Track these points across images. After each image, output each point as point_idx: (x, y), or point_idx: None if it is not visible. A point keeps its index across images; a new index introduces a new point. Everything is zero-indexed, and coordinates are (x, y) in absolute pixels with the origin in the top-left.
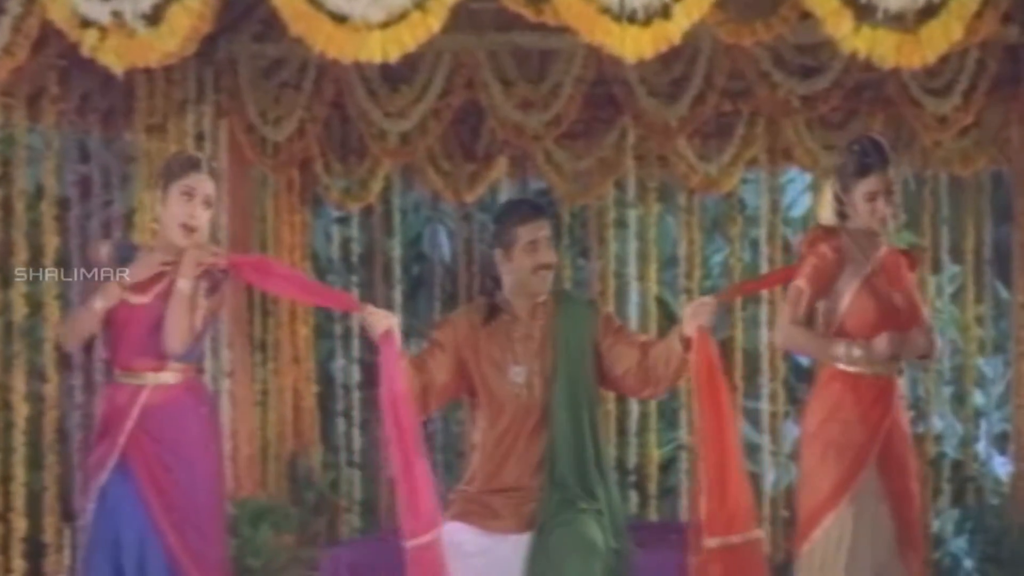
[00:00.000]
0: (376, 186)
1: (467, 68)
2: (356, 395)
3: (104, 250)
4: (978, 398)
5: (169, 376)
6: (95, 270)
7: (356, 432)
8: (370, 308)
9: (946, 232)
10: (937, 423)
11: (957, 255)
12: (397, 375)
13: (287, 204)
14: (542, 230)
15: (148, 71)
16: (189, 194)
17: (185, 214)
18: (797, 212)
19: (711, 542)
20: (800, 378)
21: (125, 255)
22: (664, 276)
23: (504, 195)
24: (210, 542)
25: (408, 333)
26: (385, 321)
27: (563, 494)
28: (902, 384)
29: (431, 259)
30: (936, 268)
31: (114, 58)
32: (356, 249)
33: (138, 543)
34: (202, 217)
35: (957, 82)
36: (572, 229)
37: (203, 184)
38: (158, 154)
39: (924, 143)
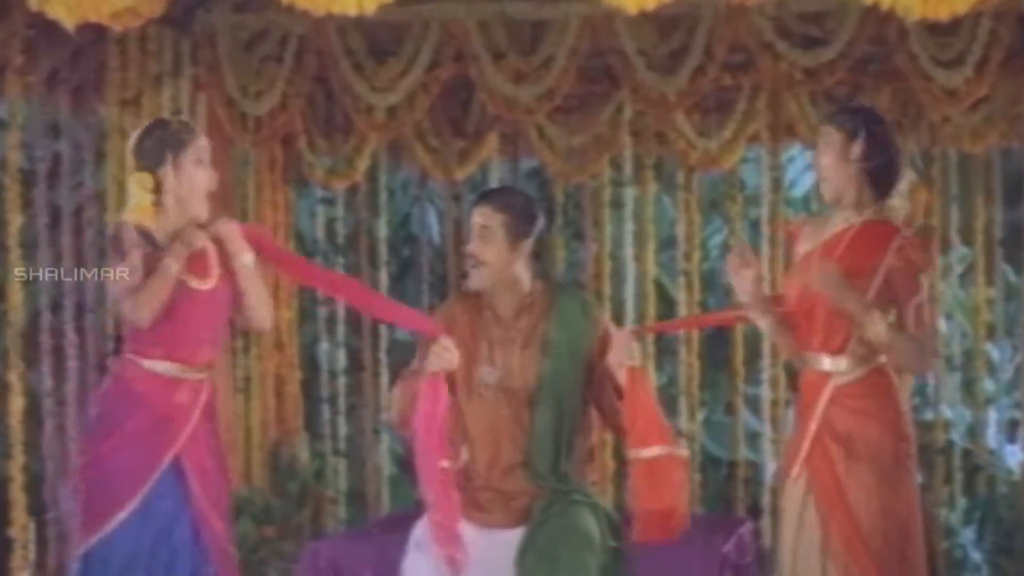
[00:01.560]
0: (362, 164)
1: (456, 39)
2: (342, 381)
3: (133, 233)
4: (987, 384)
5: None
6: (122, 251)
7: (342, 419)
8: (442, 342)
9: (955, 211)
10: (946, 411)
11: (967, 235)
12: (435, 416)
13: (269, 182)
14: (476, 216)
15: (121, 43)
16: (202, 160)
17: (208, 180)
18: (798, 192)
19: (630, 454)
20: None
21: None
22: (661, 258)
23: (495, 173)
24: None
25: None
26: (439, 361)
27: (549, 496)
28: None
29: (420, 240)
30: (944, 248)
31: (64, 12)
32: (342, 230)
33: (191, 547)
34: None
35: (969, 53)
36: (566, 209)
37: (207, 147)
38: (133, 130)
39: (932, 118)
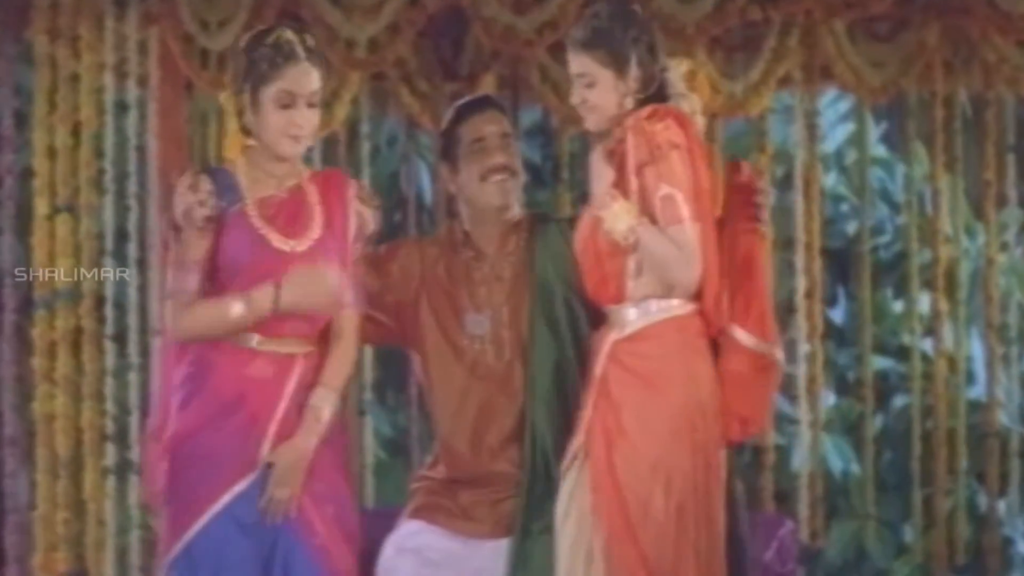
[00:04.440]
0: (341, 110)
1: None
2: None
3: (205, 184)
4: None
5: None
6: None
7: None
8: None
9: (1012, 165)
10: (998, 390)
11: None
12: None
13: (235, 130)
14: (490, 124)
15: None
16: (288, 103)
17: (287, 123)
18: (830, 147)
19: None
20: (830, 336)
21: (225, 183)
22: None
23: None
24: None
25: None
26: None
27: (547, 484)
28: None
29: (408, 200)
30: (999, 206)
31: None
32: None
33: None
34: (311, 121)
35: None
36: (572, 164)
37: (303, 81)
38: (65, 67)
39: (987, 58)
